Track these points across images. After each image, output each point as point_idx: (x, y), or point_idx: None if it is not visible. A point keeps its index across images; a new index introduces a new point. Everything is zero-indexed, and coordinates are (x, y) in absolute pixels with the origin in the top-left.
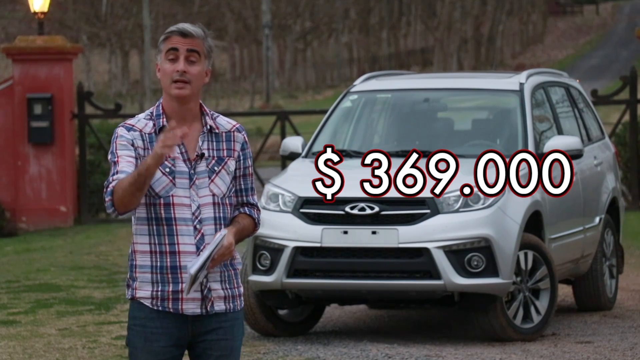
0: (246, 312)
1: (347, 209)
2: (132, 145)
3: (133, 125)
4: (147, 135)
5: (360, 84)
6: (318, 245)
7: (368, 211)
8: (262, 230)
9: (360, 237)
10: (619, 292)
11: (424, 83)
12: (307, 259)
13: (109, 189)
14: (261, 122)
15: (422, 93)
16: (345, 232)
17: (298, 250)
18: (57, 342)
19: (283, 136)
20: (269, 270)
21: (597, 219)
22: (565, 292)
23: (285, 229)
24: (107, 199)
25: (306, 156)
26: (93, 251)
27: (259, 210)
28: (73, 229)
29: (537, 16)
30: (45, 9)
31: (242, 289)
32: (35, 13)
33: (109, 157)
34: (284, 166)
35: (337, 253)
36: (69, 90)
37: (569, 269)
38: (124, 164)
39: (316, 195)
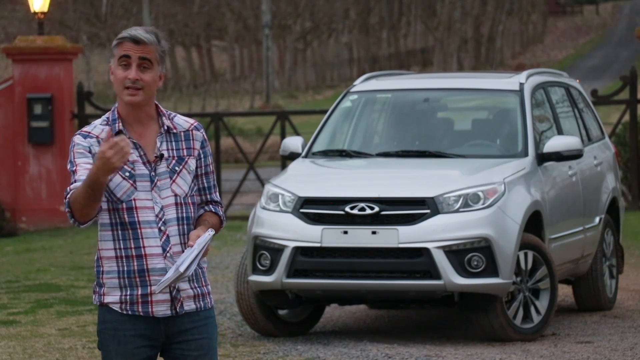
0: (246, 312)
1: (347, 209)
2: (90, 152)
3: (89, 132)
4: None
5: (360, 84)
6: (318, 245)
7: (368, 211)
8: (262, 230)
9: (360, 237)
10: (619, 292)
11: (424, 83)
12: (307, 259)
13: (66, 200)
14: (261, 122)
15: (422, 93)
16: (345, 232)
17: (298, 250)
18: (57, 342)
19: (283, 136)
20: (269, 270)
21: (597, 219)
22: (565, 292)
23: (285, 229)
24: (67, 211)
25: (306, 156)
26: (93, 251)
27: (222, 207)
28: (73, 229)
29: (537, 16)
30: (45, 9)
31: (209, 287)
32: (35, 13)
33: (68, 166)
34: (284, 166)
35: (337, 253)
36: (69, 90)
37: (569, 269)
38: (82, 172)
39: (316, 195)
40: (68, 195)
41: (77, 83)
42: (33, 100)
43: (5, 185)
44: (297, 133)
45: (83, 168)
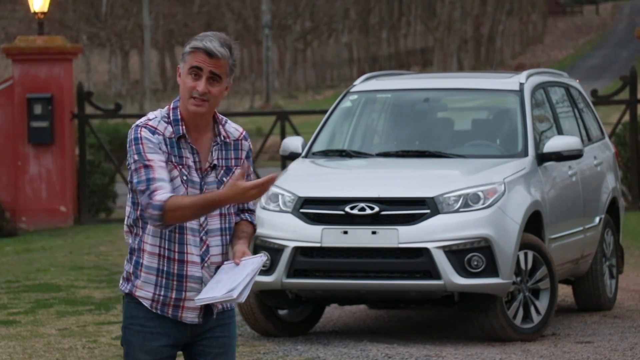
0: (246, 312)
1: (347, 209)
2: (160, 149)
3: (155, 128)
4: (168, 140)
5: (360, 84)
6: (318, 245)
7: (368, 211)
8: (262, 230)
9: (360, 237)
10: (619, 292)
11: (424, 83)
12: (307, 259)
13: (157, 203)
14: (261, 122)
15: (422, 93)
16: (345, 232)
17: (298, 250)
18: (57, 342)
19: (283, 136)
20: (269, 271)
21: (597, 219)
22: (565, 292)
23: (285, 229)
24: (155, 213)
25: (306, 156)
26: (93, 251)
27: (255, 215)
28: (73, 229)
29: (537, 16)
30: (45, 9)
31: None
32: (35, 13)
33: (135, 158)
34: (284, 166)
35: (337, 253)
36: (69, 90)
37: (569, 269)
38: (161, 171)
39: (316, 195)
40: (159, 198)
41: (77, 83)
42: (33, 100)
43: (5, 185)
44: (297, 133)
45: (159, 166)
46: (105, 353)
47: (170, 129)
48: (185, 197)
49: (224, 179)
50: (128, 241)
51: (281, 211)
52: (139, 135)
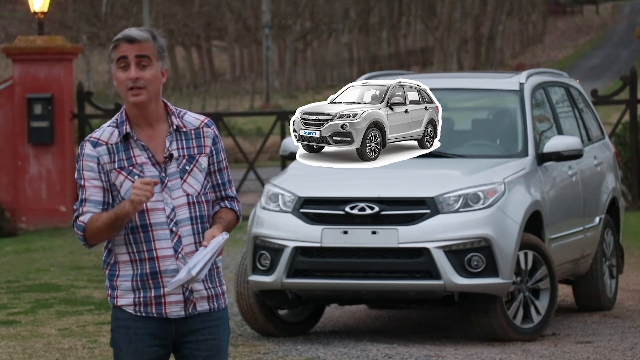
0: (246, 312)
1: (347, 209)
2: (98, 163)
3: (98, 139)
4: (113, 146)
5: None
6: (318, 245)
7: (368, 211)
8: (262, 230)
9: (360, 237)
10: (619, 292)
11: (424, 83)
12: (307, 259)
13: (79, 224)
14: (261, 122)
15: None
16: (345, 232)
17: (298, 250)
18: (57, 342)
19: (283, 136)
20: (269, 270)
21: (597, 219)
22: (565, 292)
23: (285, 229)
24: (78, 233)
25: None
26: (93, 251)
27: (239, 202)
28: (73, 229)
29: (537, 16)
30: (45, 9)
31: (225, 287)
32: (35, 13)
33: (76, 175)
34: (284, 166)
35: (337, 253)
36: (69, 90)
37: (569, 269)
38: (91, 192)
39: (316, 195)
40: (80, 220)
41: (77, 83)
42: (33, 100)
43: (5, 185)
44: None
45: (92, 185)
46: (105, 353)
47: (116, 133)
48: (102, 214)
49: (187, 167)
50: (103, 256)
51: (281, 211)
52: (82, 151)
